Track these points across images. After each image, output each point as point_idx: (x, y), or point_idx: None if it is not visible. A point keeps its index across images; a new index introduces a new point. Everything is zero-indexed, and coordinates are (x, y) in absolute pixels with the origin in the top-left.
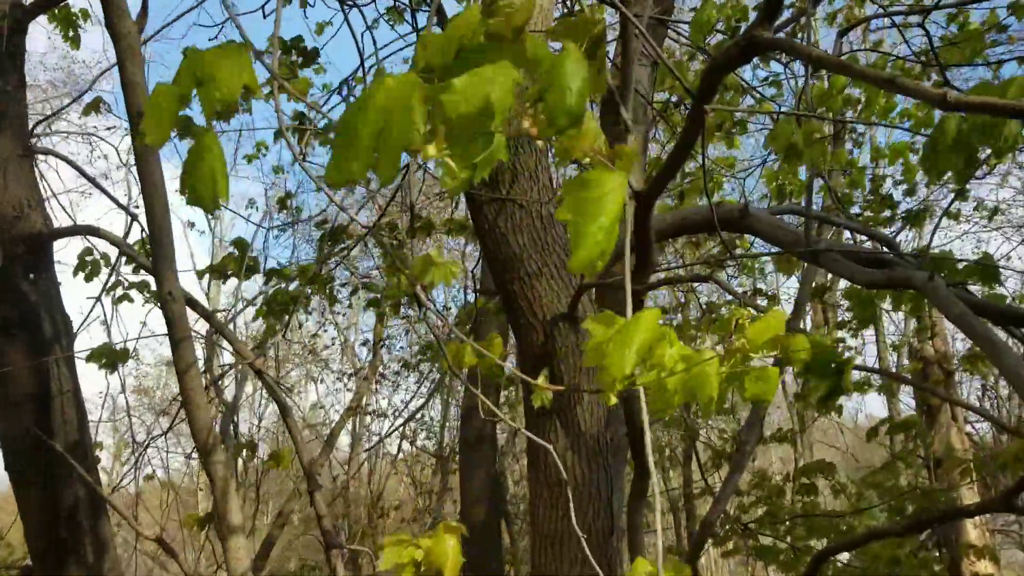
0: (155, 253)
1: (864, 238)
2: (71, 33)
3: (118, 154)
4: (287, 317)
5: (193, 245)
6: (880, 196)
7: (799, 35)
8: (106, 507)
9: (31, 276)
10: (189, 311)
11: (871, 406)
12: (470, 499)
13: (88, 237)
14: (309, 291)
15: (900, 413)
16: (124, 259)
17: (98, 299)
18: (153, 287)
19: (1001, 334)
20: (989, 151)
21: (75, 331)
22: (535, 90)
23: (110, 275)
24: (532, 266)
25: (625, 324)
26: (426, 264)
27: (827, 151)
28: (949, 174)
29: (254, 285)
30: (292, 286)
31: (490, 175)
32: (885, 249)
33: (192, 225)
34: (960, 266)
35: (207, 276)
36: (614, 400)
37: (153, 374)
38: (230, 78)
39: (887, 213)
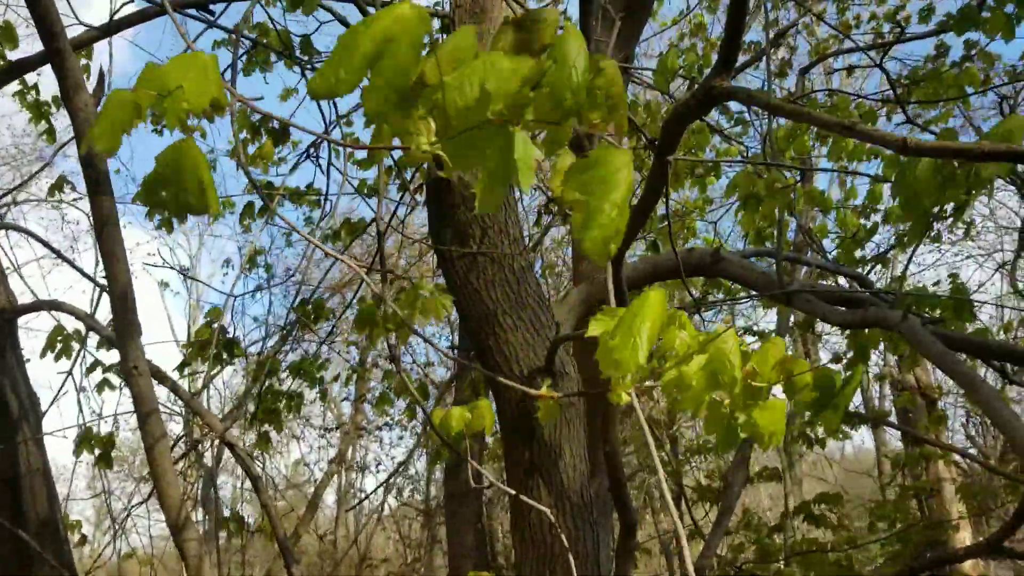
0: (118, 327)
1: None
2: (46, 125)
3: (89, 220)
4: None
5: (169, 307)
6: (851, 235)
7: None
8: None
9: None
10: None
11: (857, 438)
12: (458, 552)
13: (53, 312)
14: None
15: (886, 443)
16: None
17: (69, 374)
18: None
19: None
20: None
21: (46, 409)
22: (535, 71)
23: (79, 352)
24: (507, 321)
25: (628, 310)
26: (413, 299)
27: (789, 199)
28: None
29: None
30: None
31: (458, 230)
32: (859, 287)
33: (166, 286)
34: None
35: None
36: (626, 399)
37: (134, 439)
38: (198, 88)
39: (860, 252)
